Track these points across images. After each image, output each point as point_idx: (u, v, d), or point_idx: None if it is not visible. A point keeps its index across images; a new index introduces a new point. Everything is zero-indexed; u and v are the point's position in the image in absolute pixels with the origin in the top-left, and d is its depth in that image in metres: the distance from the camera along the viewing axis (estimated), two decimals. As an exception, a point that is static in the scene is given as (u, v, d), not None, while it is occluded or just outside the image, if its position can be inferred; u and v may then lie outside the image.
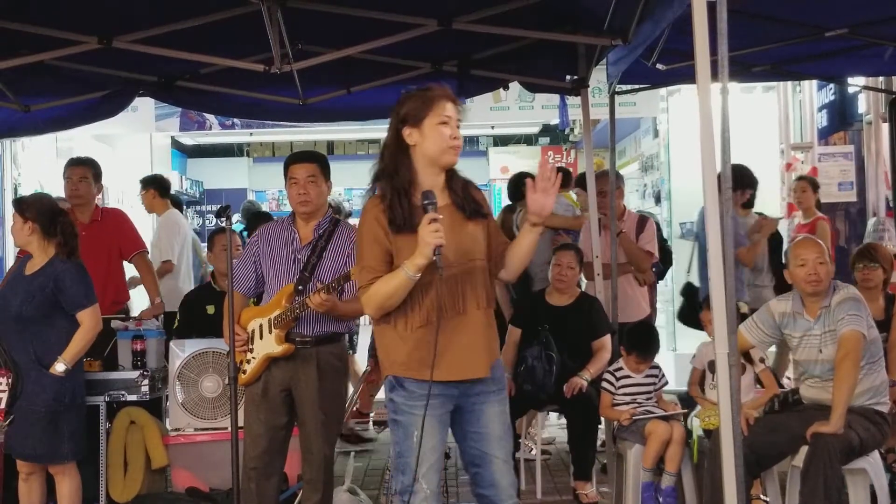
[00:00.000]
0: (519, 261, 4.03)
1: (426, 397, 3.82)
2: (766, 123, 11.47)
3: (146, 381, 6.42)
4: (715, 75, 3.95)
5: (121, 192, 13.65)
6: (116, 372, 6.47)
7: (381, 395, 9.72)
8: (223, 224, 5.22)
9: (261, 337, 5.28)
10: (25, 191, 11.25)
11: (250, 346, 5.31)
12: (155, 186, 9.46)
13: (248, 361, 5.31)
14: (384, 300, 3.85)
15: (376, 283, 3.85)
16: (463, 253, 3.89)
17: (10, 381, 4.72)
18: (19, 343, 5.61)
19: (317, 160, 5.41)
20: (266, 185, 17.61)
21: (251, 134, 15.32)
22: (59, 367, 5.59)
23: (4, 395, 4.70)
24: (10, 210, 10.71)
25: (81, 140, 12.54)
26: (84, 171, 7.26)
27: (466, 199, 3.97)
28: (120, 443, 6.44)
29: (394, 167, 3.90)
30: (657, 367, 6.31)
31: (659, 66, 6.81)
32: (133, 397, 6.44)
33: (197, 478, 6.39)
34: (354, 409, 8.61)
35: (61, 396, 5.66)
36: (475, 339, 3.93)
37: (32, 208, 5.79)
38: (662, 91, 11.48)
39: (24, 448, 5.66)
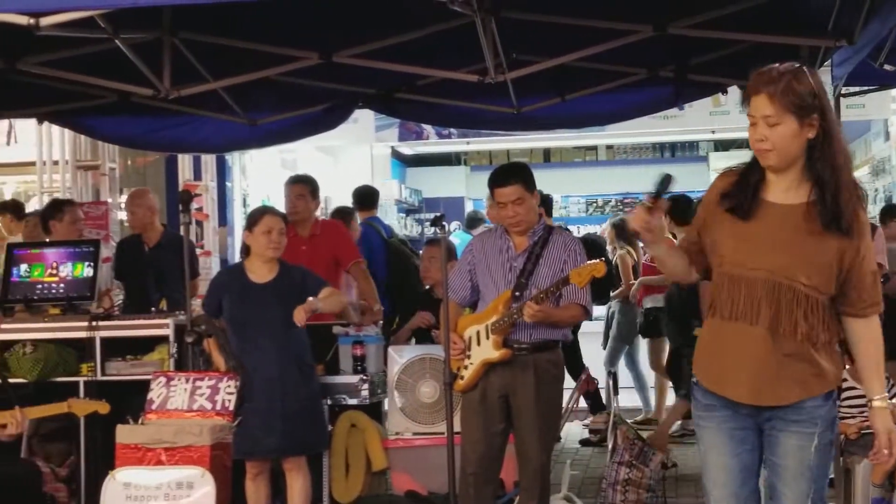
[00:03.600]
0: None
1: (710, 408, 3.62)
2: None
3: (366, 386, 6.56)
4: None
5: (342, 202, 13.98)
6: (338, 376, 6.66)
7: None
8: (438, 233, 5.31)
9: (478, 343, 5.33)
10: (253, 201, 11.70)
11: (468, 353, 5.37)
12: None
13: (466, 368, 5.37)
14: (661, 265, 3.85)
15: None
16: (776, 260, 3.46)
17: (238, 383, 4.90)
18: (277, 345, 5.82)
19: (518, 179, 5.31)
20: (483, 193, 17.61)
21: (468, 143, 15.47)
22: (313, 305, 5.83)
23: (233, 397, 4.88)
24: (240, 219, 11.19)
25: (305, 152, 12.93)
26: (301, 188, 7.48)
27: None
28: (342, 445, 6.61)
29: None
30: (886, 376, 6.04)
31: (887, 66, 6.55)
32: (354, 401, 6.60)
33: (416, 481, 6.49)
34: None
35: (318, 386, 6.13)
36: (760, 361, 3.49)
37: None
38: (894, 91, 11.00)
39: (294, 442, 5.90)
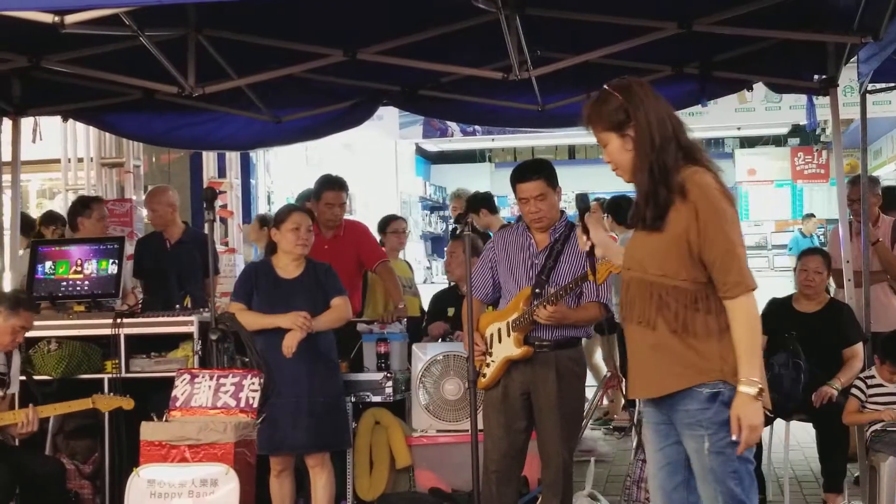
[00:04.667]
0: None
1: (644, 404, 3.74)
2: None
3: (390, 383, 6.57)
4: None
5: (366, 199, 14.01)
6: (362, 373, 6.66)
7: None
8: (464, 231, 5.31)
9: (500, 340, 5.33)
10: (278, 198, 11.74)
11: (489, 351, 5.36)
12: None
13: (488, 365, 5.37)
14: None
15: None
16: (637, 259, 3.62)
17: (261, 381, 4.91)
18: (304, 341, 5.77)
19: (541, 174, 5.32)
20: (508, 190, 17.46)
21: (493, 140, 15.49)
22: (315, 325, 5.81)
23: (257, 395, 4.89)
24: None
25: (330, 149, 12.96)
26: (343, 196, 7.38)
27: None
28: (365, 442, 6.62)
29: None
30: None
31: (913, 63, 6.48)
32: (377, 398, 6.61)
33: (440, 478, 6.49)
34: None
35: (342, 384, 6.15)
36: (632, 355, 3.65)
37: None
38: (921, 88, 10.91)
39: (319, 439, 5.88)
